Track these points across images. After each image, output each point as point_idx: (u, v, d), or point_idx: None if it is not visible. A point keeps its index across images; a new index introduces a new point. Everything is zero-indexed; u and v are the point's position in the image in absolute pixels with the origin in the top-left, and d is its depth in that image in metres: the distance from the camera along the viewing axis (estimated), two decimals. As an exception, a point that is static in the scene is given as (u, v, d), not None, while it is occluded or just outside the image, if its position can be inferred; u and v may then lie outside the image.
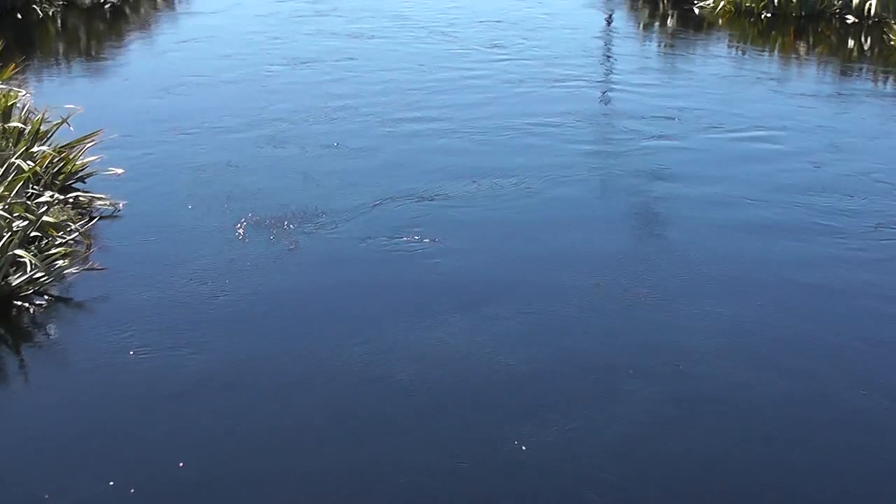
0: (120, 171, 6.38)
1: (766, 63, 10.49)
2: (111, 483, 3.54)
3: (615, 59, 10.51)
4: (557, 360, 4.42)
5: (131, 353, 4.43)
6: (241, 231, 5.72)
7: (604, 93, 9.18)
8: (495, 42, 11.00)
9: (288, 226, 5.79)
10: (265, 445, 3.79)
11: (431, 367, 4.33)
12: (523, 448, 3.75)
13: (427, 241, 5.62)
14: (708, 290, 5.06)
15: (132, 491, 3.51)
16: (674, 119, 8.10)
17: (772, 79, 9.67)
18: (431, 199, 6.24)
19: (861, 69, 10.13)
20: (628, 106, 8.61)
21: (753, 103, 8.70)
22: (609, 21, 12.68)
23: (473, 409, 4.04)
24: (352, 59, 10.18)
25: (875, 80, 9.73)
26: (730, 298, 4.97)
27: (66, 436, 3.88)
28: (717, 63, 10.36)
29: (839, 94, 9.22)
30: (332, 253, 5.50)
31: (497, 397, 4.13)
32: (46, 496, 3.48)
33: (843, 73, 9.98)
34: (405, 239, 5.64)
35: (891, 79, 9.74)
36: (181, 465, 3.65)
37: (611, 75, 9.84)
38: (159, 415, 4.00)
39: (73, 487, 3.54)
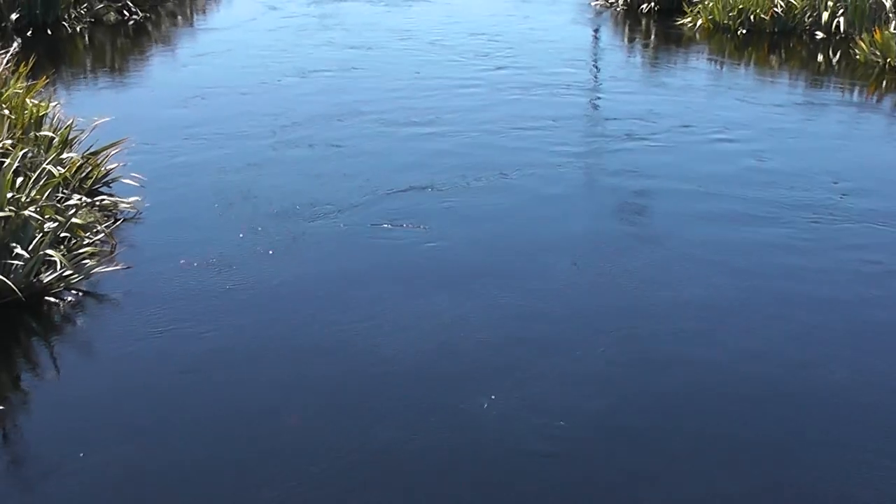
0: (143, 176, 6.44)
1: (742, 75, 10.55)
2: (132, 444, 3.76)
3: (599, 70, 10.58)
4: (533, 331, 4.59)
5: (153, 340, 4.53)
6: (255, 227, 5.83)
7: (588, 100, 9.28)
8: (487, 53, 11.09)
9: (299, 220, 5.95)
10: (271, 404, 4.05)
11: (419, 337, 4.56)
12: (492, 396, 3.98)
13: (421, 228, 5.83)
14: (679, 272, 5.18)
15: (148, 452, 3.72)
16: (652, 124, 8.24)
17: (746, 89, 9.74)
18: (426, 194, 6.43)
19: (828, 81, 10.18)
20: (610, 112, 8.78)
21: (726, 110, 8.82)
22: (595, 35, 12.72)
23: (453, 370, 4.29)
24: (355, 69, 10.28)
25: (841, 91, 9.78)
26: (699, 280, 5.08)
27: (94, 408, 4.05)
28: (695, 75, 10.43)
29: (809, 103, 9.30)
30: (337, 243, 5.68)
31: (473, 361, 4.37)
32: (82, 454, 3.68)
33: (812, 84, 10.05)
34: (401, 227, 5.86)
35: (855, 90, 9.79)
36: (191, 431, 3.88)
37: (595, 84, 9.92)
38: (175, 389, 4.18)
39: (102, 449, 3.73)
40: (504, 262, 5.43)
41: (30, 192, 5.19)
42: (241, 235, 5.70)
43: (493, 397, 4.03)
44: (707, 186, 6.65)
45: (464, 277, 5.21)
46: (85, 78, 10.07)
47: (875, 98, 9.52)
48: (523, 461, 3.67)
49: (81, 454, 3.69)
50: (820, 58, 11.11)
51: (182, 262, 5.33)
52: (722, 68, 10.82)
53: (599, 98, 9.38)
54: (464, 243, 5.68)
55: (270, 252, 5.49)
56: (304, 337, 4.60)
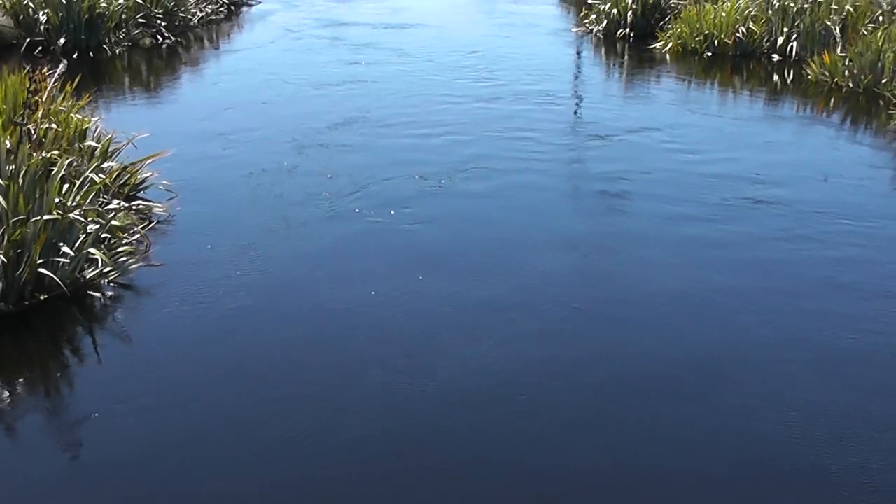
0: (175, 182, 6.49)
1: (706, 92, 10.58)
2: (161, 396, 4.06)
3: (576, 84, 10.67)
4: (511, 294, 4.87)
5: (181, 323, 4.69)
6: (274, 224, 5.97)
7: (564, 108, 9.40)
8: (474, 69, 11.20)
9: (312, 215, 6.16)
10: (281, 355, 4.39)
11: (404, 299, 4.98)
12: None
13: (412, 217, 6.17)
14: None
15: (173, 402, 4.05)
16: (619, 129, 8.52)
17: (707, 103, 9.84)
18: (421, 185, 6.78)
19: (782, 98, 10.21)
20: (581, 117, 9.09)
21: (688, 120, 9.00)
22: (577, 56, 12.73)
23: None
24: (360, 82, 10.40)
25: (792, 107, 9.82)
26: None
27: (131, 372, 4.27)
28: (663, 91, 10.47)
29: (762, 116, 9.35)
30: (344, 230, 5.94)
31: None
32: (120, 403, 4.03)
33: (768, 100, 10.07)
34: (393, 213, 6.20)
35: (806, 106, 9.83)
36: (210, 386, 4.18)
37: (572, 98, 10.01)
38: (199, 358, 4.41)
39: (135, 399, 4.02)
40: (477, 236, 5.90)
41: (74, 197, 5.25)
42: (259, 231, 5.83)
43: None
44: (659, 178, 7.14)
45: (443, 250, 5.65)
46: (124, 95, 10.09)
47: (825, 113, 9.55)
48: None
49: (119, 403, 4.00)
50: (776, 78, 11.13)
51: (209, 252, 5.47)
52: (688, 86, 10.83)
53: (574, 106, 9.58)
54: (445, 222, 6.10)
55: (285, 244, 5.64)
56: (307, 313, 4.83)
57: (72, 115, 6.54)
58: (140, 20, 12.44)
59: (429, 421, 3.88)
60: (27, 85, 5.91)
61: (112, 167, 6.14)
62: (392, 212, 6.20)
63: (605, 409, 4.00)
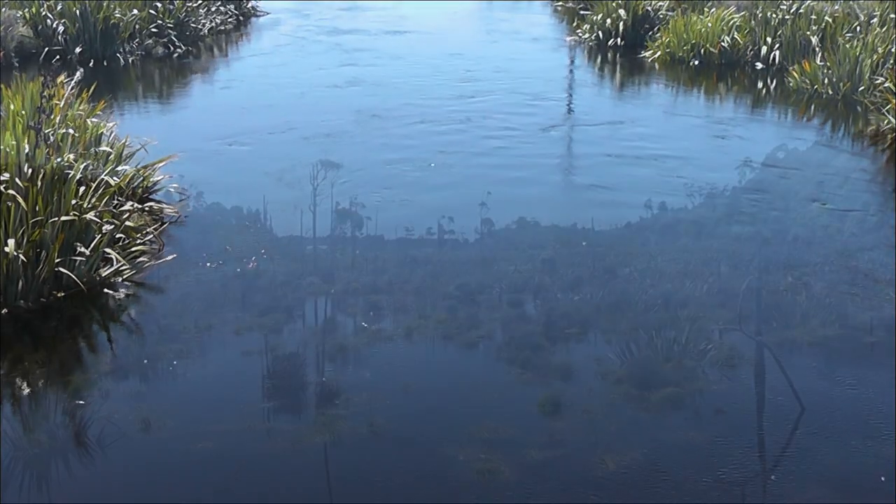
0: (185, 185, 6.50)
1: (694, 98, 10.60)
2: (170, 371, 3.88)
3: (567, 89, 10.78)
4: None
5: (192, 316, 4.75)
6: (278, 219, 6.11)
7: (551, 110, 9.53)
8: (468, 71, 11.41)
9: (311, 206, 6.36)
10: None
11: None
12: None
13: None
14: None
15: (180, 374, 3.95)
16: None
17: (692, 107, 9.92)
18: (413, 172, 7.21)
19: (765, 103, 10.25)
20: (568, 117, 9.37)
21: (675, 125, 9.11)
22: (571, 62, 12.75)
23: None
24: (359, 81, 10.66)
25: (774, 112, 9.86)
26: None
27: (148, 361, 4.19)
28: (650, 96, 10.54)
29: (745, 119, 9.41)
30: (341, 212, 6.18)
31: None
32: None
33: (751, 105, 10.11)
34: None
35: (789, 111, 9.85)
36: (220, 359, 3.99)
37: (560, 100, 10.16)
38: (207, 349, 4.39)
39: (148, 376, 3.85)
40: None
41: (90, 199, 5.26)
42: (261, 229, 5.94)
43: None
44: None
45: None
46: (137, 101, 10.11)
47: (805, 118, 9.57)
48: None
49: (132, 376, 4.10)
50: (759, 84, 11.15)
51: (216, 247, 5.51)
52: (678, 94, 10.85)
53: (560, 106, 9.87)
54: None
55: (285, 235, 5.83)
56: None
57: (88, 120, 6.55)
58: (152, 30, 12.45)
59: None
60: (41, 90, 5.92)
61: (126, 170, 6.15)
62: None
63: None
